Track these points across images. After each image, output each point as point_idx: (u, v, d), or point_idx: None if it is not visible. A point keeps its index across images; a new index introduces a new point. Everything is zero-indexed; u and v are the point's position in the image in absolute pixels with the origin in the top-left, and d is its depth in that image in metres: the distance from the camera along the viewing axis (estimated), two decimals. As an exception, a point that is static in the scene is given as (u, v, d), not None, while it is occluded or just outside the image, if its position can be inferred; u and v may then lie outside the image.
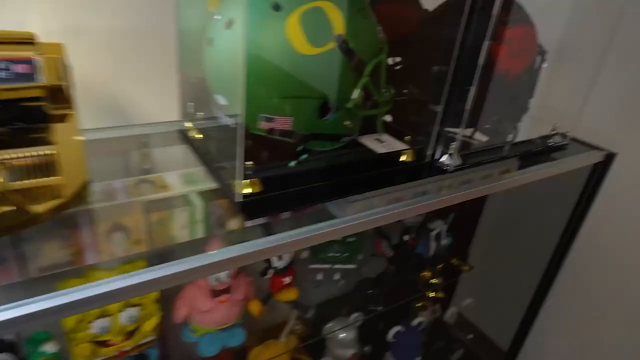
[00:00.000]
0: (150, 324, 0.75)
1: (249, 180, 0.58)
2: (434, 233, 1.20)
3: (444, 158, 0.74)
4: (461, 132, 0.71)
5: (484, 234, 1.42)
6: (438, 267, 1.29)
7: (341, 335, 1.02)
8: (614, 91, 1.09)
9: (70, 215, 0.53)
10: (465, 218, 1.29)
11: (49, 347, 0.67)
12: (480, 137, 0.84)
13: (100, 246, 0.61)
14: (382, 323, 1.12)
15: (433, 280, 1.27)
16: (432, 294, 1.29)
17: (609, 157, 0.98)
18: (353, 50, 0.58)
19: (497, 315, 1.46)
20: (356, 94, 0.60)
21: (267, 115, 0.58)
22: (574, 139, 1.00)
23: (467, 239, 1.43)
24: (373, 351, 1.09)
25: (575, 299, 1.30)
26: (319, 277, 1.05)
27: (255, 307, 0.90)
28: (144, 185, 0.71)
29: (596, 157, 0.97)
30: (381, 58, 0.62)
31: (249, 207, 0.58)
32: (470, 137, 0.81)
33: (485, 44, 0.64)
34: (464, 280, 1.45)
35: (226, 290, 0.82)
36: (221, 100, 0.60)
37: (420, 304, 1.31)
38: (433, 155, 0.75)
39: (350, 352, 1.03)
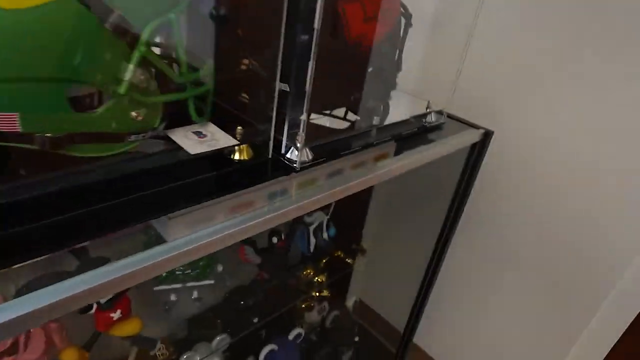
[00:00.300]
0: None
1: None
2: (313, 227, 1.06)
3: (292, 153, 0.58)
4: (305, 117, 0.54)
5: (372, 220, 1.32)
6: (322, 262, 1.17)
7: (202, 366, 0.85)
8: (486, 63, 1.02)
9: None
10: (348, 205, 1.17)
11: None
12: (349, 120, 0.70)
13: None
14: (256, 341, 0.96)
15: (317, 278, 1.15)
16: (317, 293, 1.16)
17: (487, 135, 0.89)
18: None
19: (394, 299, 1.39)
20: (128, 72, 0.40)
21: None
22: (450, 116, 0.90)
23: (355, 226, 1.32)
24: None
25: (464, 275, 1.26)
26: (172, 297, 0.85)
27: (72, 357, 0.68)
28: None
29: (474, 136, 0.88)
30: (171, 18, 0.42)
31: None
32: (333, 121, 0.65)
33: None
34: (357, 271, 1.35)
35: (10, 351, 0.59)
36: None
37: (305, 304, 1.18)
38: (279, 149, 0.59)
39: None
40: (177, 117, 0.54)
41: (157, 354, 0.86)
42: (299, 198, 0.55)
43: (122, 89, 0.40)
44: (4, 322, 0.32)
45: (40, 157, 0.42)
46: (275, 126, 0.58)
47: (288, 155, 0.59)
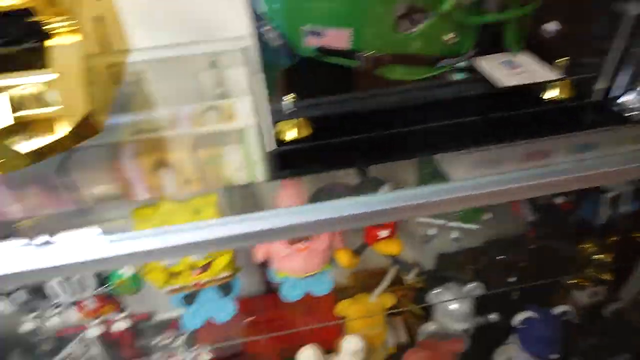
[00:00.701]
0: (222, 261, 0.70)
1: (291, 121, 0.43)
2: (609, 195, 0.85)
3: (628, 97, 0.44)
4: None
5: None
6: (610, 239, 0.95)
7: (452, 307, 0.84)
8: None
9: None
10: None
11: (125, 270, 0.69)
12: None
13: (147, 181, 0.56)
14: (508, 302, 0.89)
15: (599, 257, 0.95)
16: (595, 274, 0.97)
17: None
18: None
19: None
20: (456, -13, 0.36)
21: (313, 29, 0.40)
22: None
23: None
24: (493, 331, 0.89)
25: None
26: (431, 232, 0.86)
27: (344, 258, 0.79)
28: (210, 113, 0.62)
29: None
30: None
31: (283, 158, 0.43)
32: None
33: None
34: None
35: (305, 237, 0.72)
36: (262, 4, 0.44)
37: (576, 281, 1.01)
38: (607, 92, 0.46)
39: (461, 326, 0.86)
40: (486, 43, 0.48)
41: (410, 280, 0.91)
42: (627, 158, 0.42)
43: (446, 5, 0.37)
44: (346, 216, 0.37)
45: (356, 76, 0.45)
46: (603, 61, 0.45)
47: (621, 100, 0.45)
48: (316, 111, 0.43)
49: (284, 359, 0.89)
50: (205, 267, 0.71)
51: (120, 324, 0.79)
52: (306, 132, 0.43)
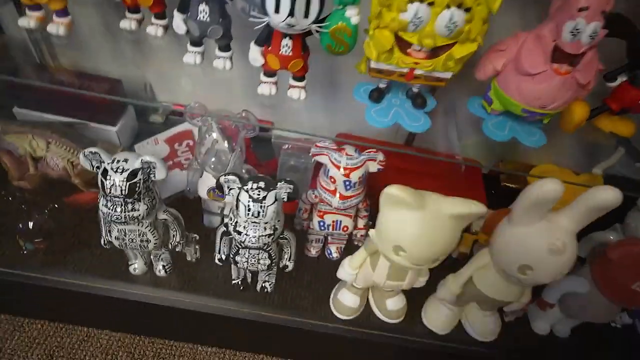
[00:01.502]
0: (462, 50, 0.55)
1: None
2: None
3: None
4: None
5: None
6: None
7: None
8: None
9: None
10: None
11: (352, 14, 0.54)
12: None
13: None
14: None
15: None
16: None
17: None
18: None
19: None
20: None
21: None
22: None
23: None
24: None
25: None
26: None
27: (579, 111, 0.62)
28: None
29: None
30: None
31: None
32: None
33: None
34: None
35: (573, 60, 0.55)
36: None
37: None
38: None
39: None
40: None
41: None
42: None
43: None
44: None
45: None
46: None
47: None
48: None
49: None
50: (434, 53, 0.55)
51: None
52: None
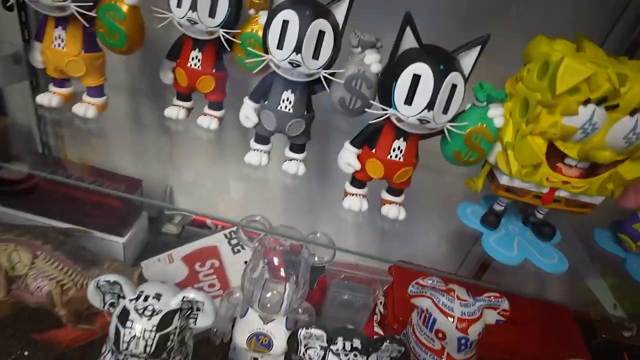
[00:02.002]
0: (635, 170, 0.41)
1: None
2: None
3: None
4: None
5: None
6: None
7: None
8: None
9: None
10: None
11: (496, 114, 0.41)
12: None
13: None
14: None
15: None
16: None
17: None
18: None
19: None
20: None
21: None
22: None
23: None
24: None
25: None
26: None
27: None
28: None
29: None
30: None
31: None
32: None
33: None
34: None
35: None
36: None
37: None
38: None
39: None
40: None
41: None
42: None
43: None
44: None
45: None
46: None
47: None
48: None
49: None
50: (593, 171, 0.42)
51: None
52: None
